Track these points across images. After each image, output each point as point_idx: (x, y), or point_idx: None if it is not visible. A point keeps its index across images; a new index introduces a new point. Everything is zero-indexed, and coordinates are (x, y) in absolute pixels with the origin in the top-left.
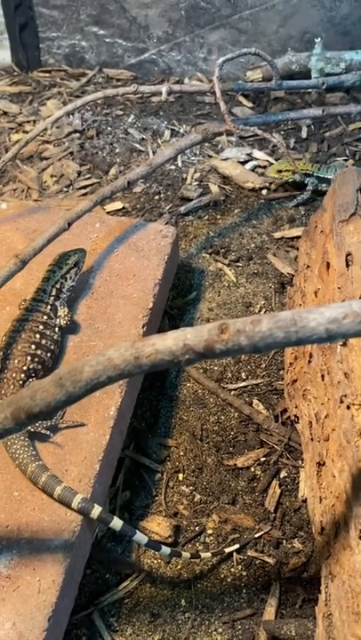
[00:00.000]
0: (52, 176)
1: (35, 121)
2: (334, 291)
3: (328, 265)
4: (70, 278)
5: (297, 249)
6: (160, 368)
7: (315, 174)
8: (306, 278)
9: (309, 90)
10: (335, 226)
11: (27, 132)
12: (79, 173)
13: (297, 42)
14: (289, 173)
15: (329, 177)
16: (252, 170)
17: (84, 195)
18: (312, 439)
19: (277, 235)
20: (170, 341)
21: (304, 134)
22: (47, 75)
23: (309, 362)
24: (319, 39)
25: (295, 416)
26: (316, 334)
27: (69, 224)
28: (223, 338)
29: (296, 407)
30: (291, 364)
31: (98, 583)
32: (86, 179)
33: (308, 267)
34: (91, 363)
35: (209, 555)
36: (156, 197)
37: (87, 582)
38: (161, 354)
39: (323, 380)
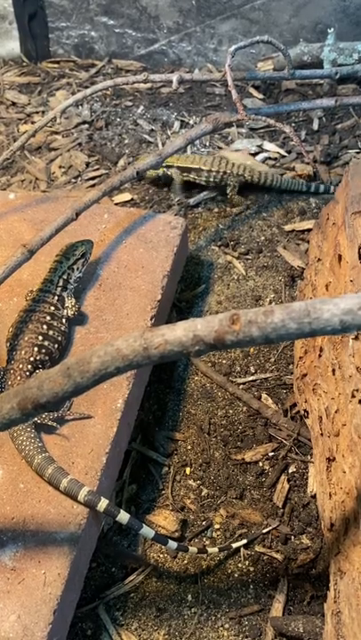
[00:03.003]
0: (60, 167)
1: (44, 112)
2: (346, 283)
3: (340, 257)
4: (77, 269)
5: (308, 242)
6: (169, 359)
7: (175, 165)
8: (317, 271)
9: (321, 81)
10: (348, 218)
11: (35, 123)
12: (88, 164)
13: (309, 32)
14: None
15: (192, 166)
16: (263, 161)
17: (93, 186)
18: (322, 434)
19: (288, 227)
20: (179, 332)
21: (315, 126)
22: (56, 65)
23: (320, 356)
24: (332, 29)
25: (305, 411)
26: (330, 325)
27: (77, 214)
28: (234, 329)
29: (306, 402)
30: (301, 358)
31: (104, 577)
32: (95, 170)
33: (319, 259)
34: (99, 353)
35: (216, 550)
36: (165, 189)
37: (93, 576)
38: (170, 344)
39: (333, 374)
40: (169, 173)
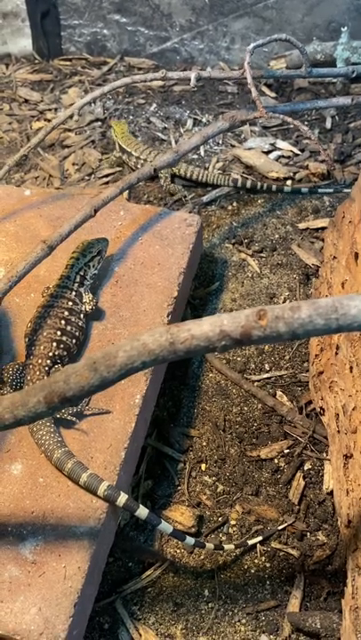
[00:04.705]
0: (73, 164)
1: (56, 109)
2: None
3: (356, 255)
4: (93, 266)
5: (322, 240)
6: (195, 354)
7: (118, 141)
8: (332, 269)
9: (334, 80)
10: None
11: (48, 120)
12: (101, 162)
13: (322, 31)
14: (114, 132)
15: (127, 149)
16: (276, 160)
17: (106, 183)
18: (339, 431)
19: (302, 225)
20: (206, 327)
21: (328, 125)
22: (68, 63)
23: (336, 353)
24: (345, 28)
25: (321, 408)
26: (357, 322)
27: (95, 211)
28: (261, 324)
29: (322, 399)
30: (316, 355)
31: (121, 571)
32: (108, 167)
33: (334, 257)
34: (125, 347)
35: (232, 547)
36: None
37: (110, 570)
38: (197, 339)
39: (351, 371)
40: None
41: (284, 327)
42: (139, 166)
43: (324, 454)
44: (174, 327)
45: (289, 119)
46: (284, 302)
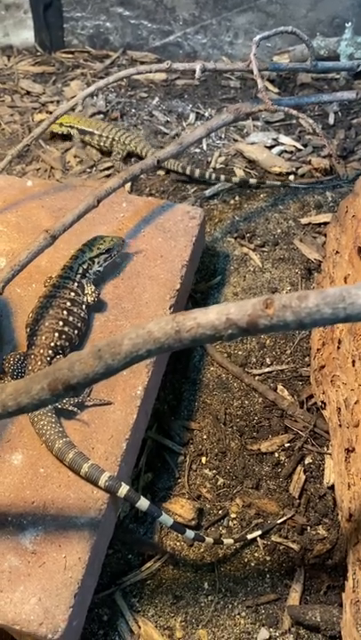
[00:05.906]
0: (75, 156)
1: (58, 101)
2: None
3: (360, 250)
4: (98, 263)
5: (324, 235)
6: (201, 343)
7: (75, 126)
8: (335, 264)
9: (337, 76)
10: None
11: (50, 113)
12: (102, 154)
13: (326, 26)
14: (63, 127)
15: (88, 129)
16: (279, 154)
17: (108, 176)
18: (340, 425)
19: (304, 220)
20: (212, 315)
21: (331, 121)
22: (70, 56)
23: (338, 347)
24: (349, 24)
25: (322, 402)
26: None
27: (99, 201)
28: (268, 313)
29: (323, 393)
30: (318, 349)
31: (120, 563)
32: (109, 160)
33: (337, 252)
34: (130, 335)
35: (231, 541)
36: (181, 180)
37: (110, 562)
38: (203, 328)
39: (353, 365)
40: (72, 133)
41: (291, 316)
42: (101, 144)
43: (325, 448)
44: (180, 315)
45: (294, 112)
46: None
